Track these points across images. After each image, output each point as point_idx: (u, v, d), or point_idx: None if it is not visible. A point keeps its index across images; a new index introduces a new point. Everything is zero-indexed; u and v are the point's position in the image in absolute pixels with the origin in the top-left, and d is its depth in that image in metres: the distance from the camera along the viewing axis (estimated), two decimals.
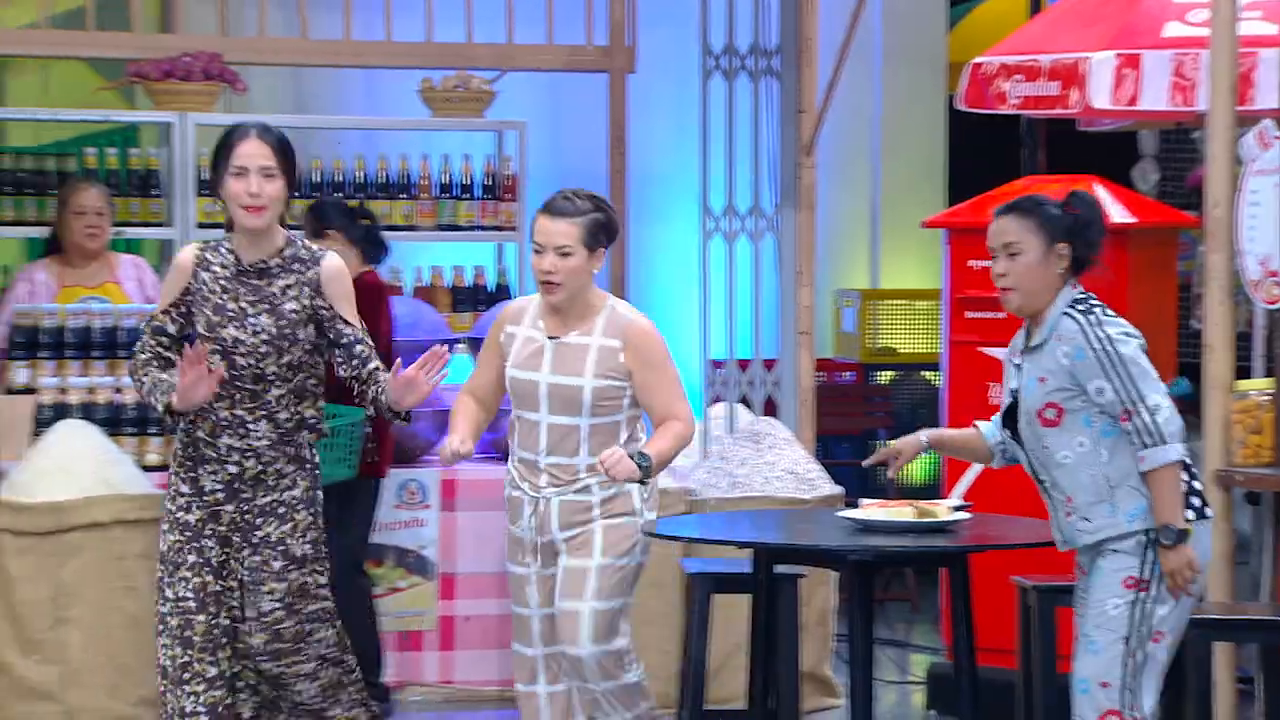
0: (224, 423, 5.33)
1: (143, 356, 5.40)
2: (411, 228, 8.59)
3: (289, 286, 5.35)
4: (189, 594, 5.36)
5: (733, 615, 6.67)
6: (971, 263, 7.25)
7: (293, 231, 5.63)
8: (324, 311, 5.36)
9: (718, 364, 8.15)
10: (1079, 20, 7.45)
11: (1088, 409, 4.86)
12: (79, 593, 6.87)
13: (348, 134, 9.26)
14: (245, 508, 5.39)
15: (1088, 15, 7.43)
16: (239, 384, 5.32)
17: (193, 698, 5.36)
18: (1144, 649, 4.85)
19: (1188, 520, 4.83)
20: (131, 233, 8.37)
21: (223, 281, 5.34)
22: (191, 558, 5.36)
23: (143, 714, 6.85)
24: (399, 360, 5.38)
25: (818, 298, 8.35)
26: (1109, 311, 4.94)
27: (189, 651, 5.35)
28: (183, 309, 5.40)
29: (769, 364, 8.10)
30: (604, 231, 5.48)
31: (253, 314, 5.32)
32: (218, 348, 5.29)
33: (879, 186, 10.51)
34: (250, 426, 5.33)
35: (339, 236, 7.41)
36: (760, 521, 6.39)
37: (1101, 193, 7.30)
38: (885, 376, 10.38)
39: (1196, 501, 4.90)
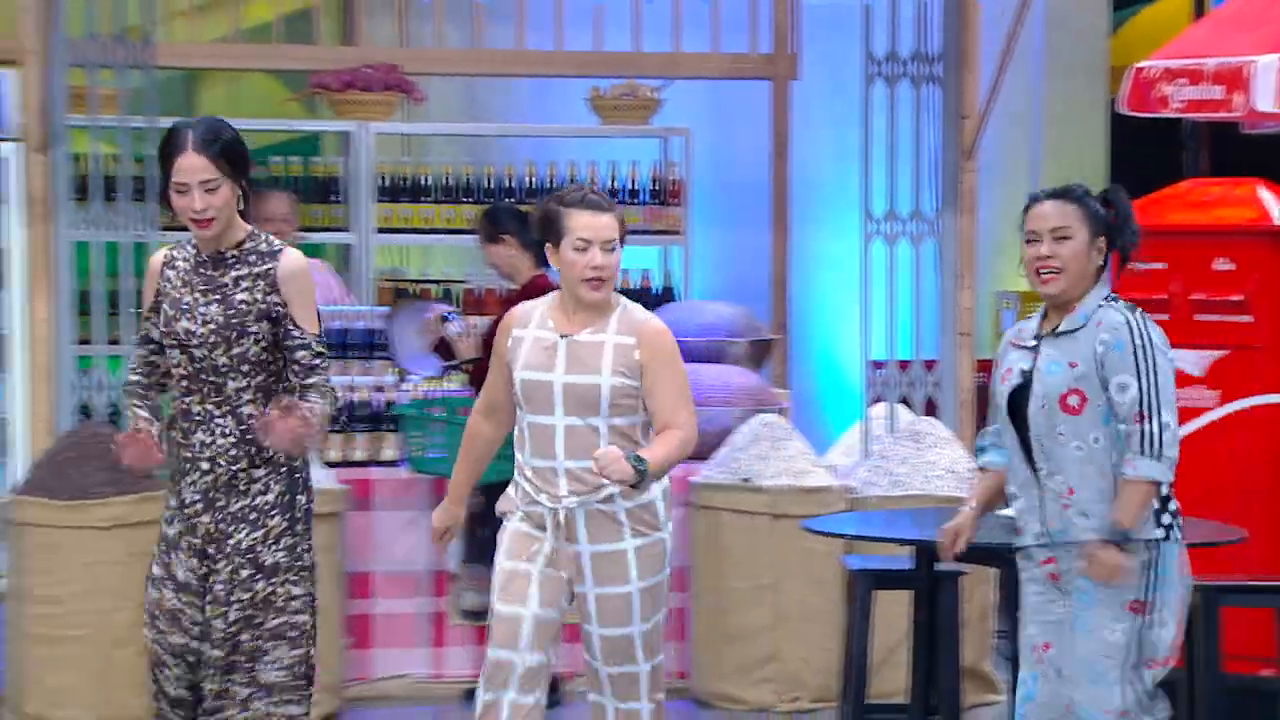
0: (197, 418, 4.97)
1: (132, 377, 5.11)
2: None
3: (242, 278, 4.94)
4: (146, 606, 5.06)
5: (894, 611, 6.49)
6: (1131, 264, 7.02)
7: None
8: (278, 309, 4.93)
9: (878, 365, 7.96)
10: (1244, 24, 7.18)
11: (1106, 406, 4.68)
12: None
13: (519, 140, 9.23)
14: (220, 517, 4.98)
15: (1253, 19, 7.16)
16: (203, 377, 4.95)
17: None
18: (1142, 677, 4.71)
19: (1158, 538, 4.67)
20: (314, 238, 8.39)
21: (183, 276, 4.99)
22: (156, 570, 5.04)
23: (323, 699, 6.82)
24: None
25: (978, 299, 8.14)
26: (1152, 319, 4.79)
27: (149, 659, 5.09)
28: (159, 313, 5.06)
29: (929, 365, 7.92)
30: (622, 229, 5.06)
31: (203, 304, 4.94)
32: (174, 343, 4.96)
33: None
34: (218, 422, 4.95)
35: (512, 240, 7.36)
36: (921, 519, 6.22)
37: (1265, 195, 7.04)
38: None
39: (1167, 520, 4.71)
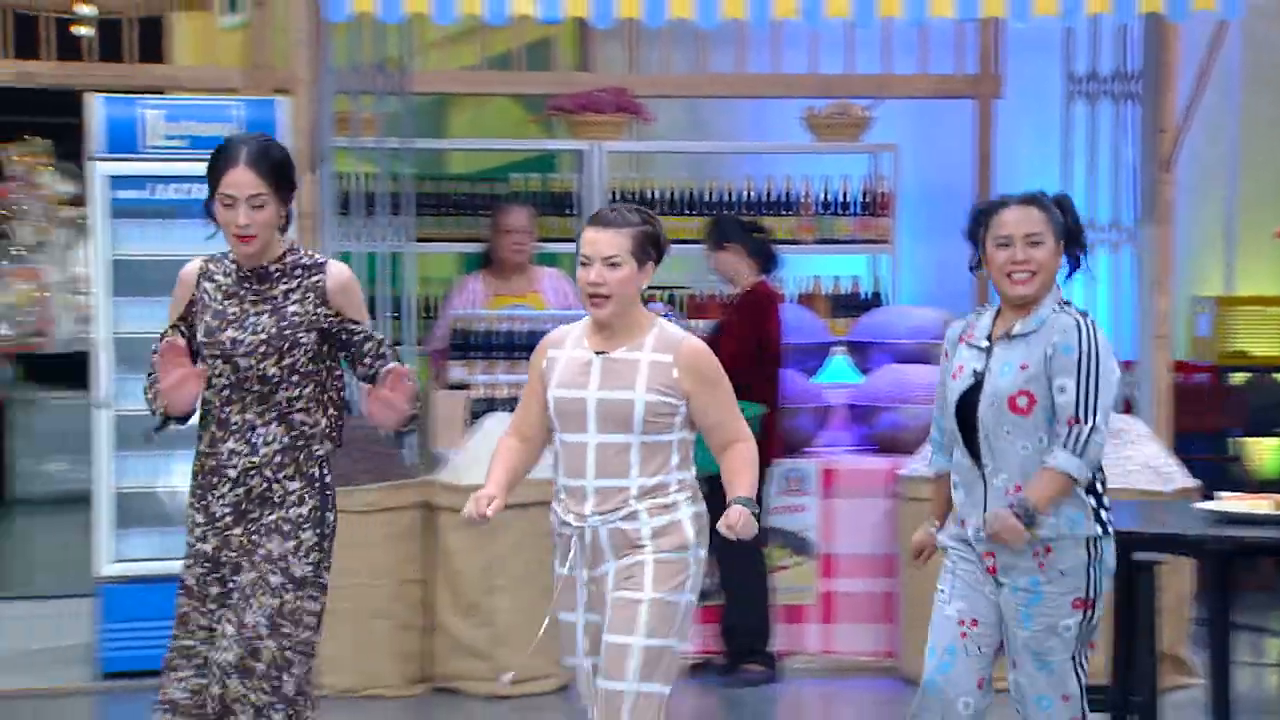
0: (234, 427, 4.65)
1: (148, 378, 4.74)
2: (794, 241, 8.54)
3: (291, 290, 4.67)
4: (228, 627, 4.64)
5: None
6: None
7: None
8: (330, 319, 4.67)
9: None
10: None
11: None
12: (507, 564, 7.00)
13: (738, 157, 9.27)
14: (252, 528, 4.66)
15: None
16: (246, 386, 4.64)
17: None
18: (1085, 656, 4.65)
19: (1097, 534, 4.60)
20: (551, 248, 8.51)
21: (225, 288, 4.69)
22: (214, 589, 4.68)
23: (560, 671, 6.97)
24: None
25: (1174, 304, 8.02)
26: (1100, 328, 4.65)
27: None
28: (189, 321, 4.74)
29: (1127, 365, 7.81)
30: (653, 245, 4.59)
31: (254, 314, 4.65)
32: (217, 353, 4.63)
33: (1235, 199, 10.02)
34: (259, 431, 4.63)
35: (737, 249, 7.43)
36: (1119, 511, 6.14)
37: None
38: (1238, 378, 9.93)
39: (1105, 516, 4.64)
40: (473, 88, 9.58)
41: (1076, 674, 4.62)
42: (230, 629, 4.58)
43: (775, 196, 8.69)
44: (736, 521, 4.38)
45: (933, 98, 9.15)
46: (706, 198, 8.69)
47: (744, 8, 7.00)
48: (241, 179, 4.56)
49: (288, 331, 4.62)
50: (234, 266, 4.71)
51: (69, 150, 9.83)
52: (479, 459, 7.02)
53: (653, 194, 8.72)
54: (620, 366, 4.50)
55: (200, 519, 4.68)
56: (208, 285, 4.71)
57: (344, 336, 4.68)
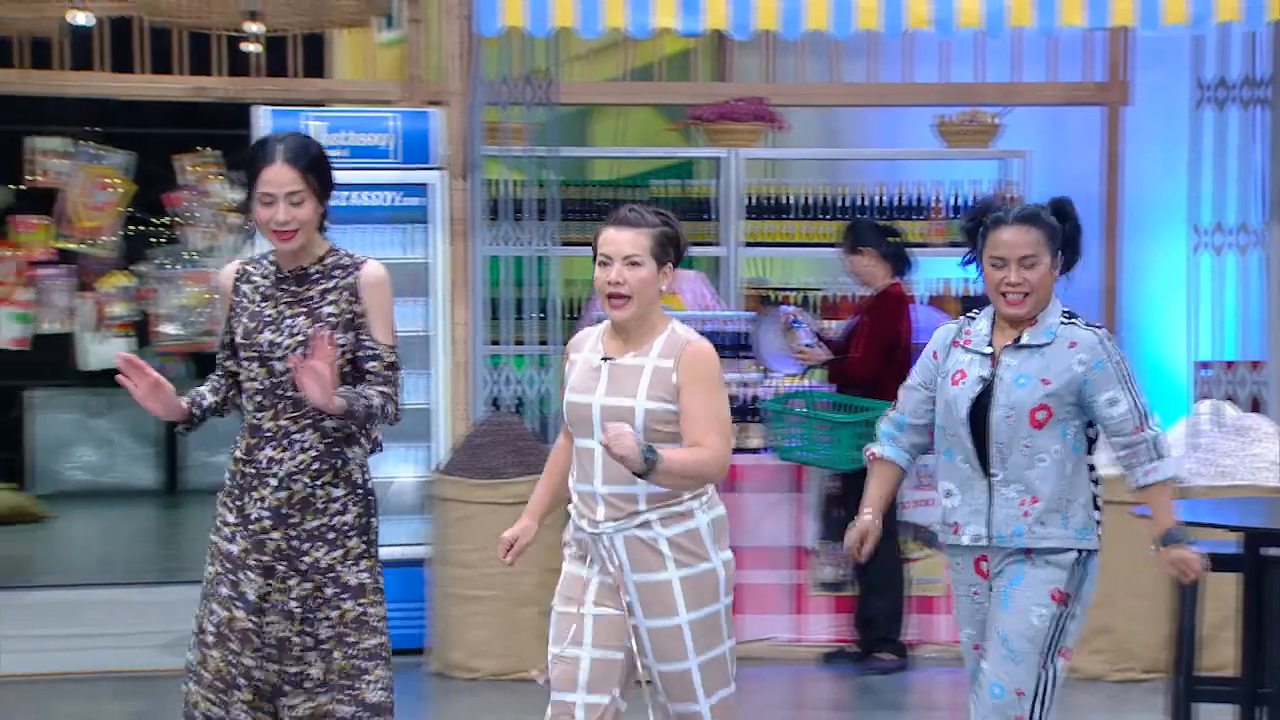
0: (268, 434, 4.40)
1: (206, 384, 4.54)
2: (925, 245, 8.48)
3: (327, 291, 4.43)
4: (210, 628, 4.44)
5: (1221, 591, 6.30)
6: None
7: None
8: (359, 319, 4.42)
9: (1204, 365, 7.74)
10: None
11: (1068, 420, 4.38)
12: None
13: (871, 163, 9.22)
14: (292, 534, 4.40)
15: None
16: (281, 392, 4.38)
17: None
18: (1054, 663, 4.37)
19: (1094, 549, 4.42)
20: (689, 251, 8.49)
21: (262, 290, 4.46)
22: (224, 590, 4.42)
23: None
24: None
25: None
26: None
27: (198, 688, 4.46)
28: (229, 328, 4.53)
29: (1255, 365, 7.66)
30: (673, 246, 4.35)
31: (290, 316, 4.42)
32: (253, 355, 4.41)
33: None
34: (294, 438, 4.39)
35: (871, 252, 7.41)
36: (1247, 508, 6.04)
37: None
38: None
39: (1100, 531, 4.45)
40: (616, 98, 9.63)
41: (1039, 675, 4.35)
42: (308, 642, 4.40)
43: (907, 201, 8.65)
44: (617, 433, 4.04)
45: (1062, 105, 9.04)
46: (840, 203, 8.66)
47: (878, 19, 6.97)
48: (279, 175, 4.35)
49: (325, 331, 4.36)
50: (273, 268, 4.49)
51: (237, 160, 10.02)
52: None
53: (787, 199, 8.71)
54: (624, 373, 4.25)
55: (232, 519, 4.44)
56: (245, 287, 4.49)
57: (358, 342, 4.41)
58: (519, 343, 7.88)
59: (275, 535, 4.40)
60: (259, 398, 4.41)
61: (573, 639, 4.30)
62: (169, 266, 9.76)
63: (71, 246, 9.37)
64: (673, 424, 4.24)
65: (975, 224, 4.50)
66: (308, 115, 7.59)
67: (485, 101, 7.59)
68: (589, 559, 4.32)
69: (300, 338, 4.37)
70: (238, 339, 4.45)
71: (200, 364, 10.09)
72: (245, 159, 4.45)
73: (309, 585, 4.40)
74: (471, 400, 7.70)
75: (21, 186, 10.50)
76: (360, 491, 4.47)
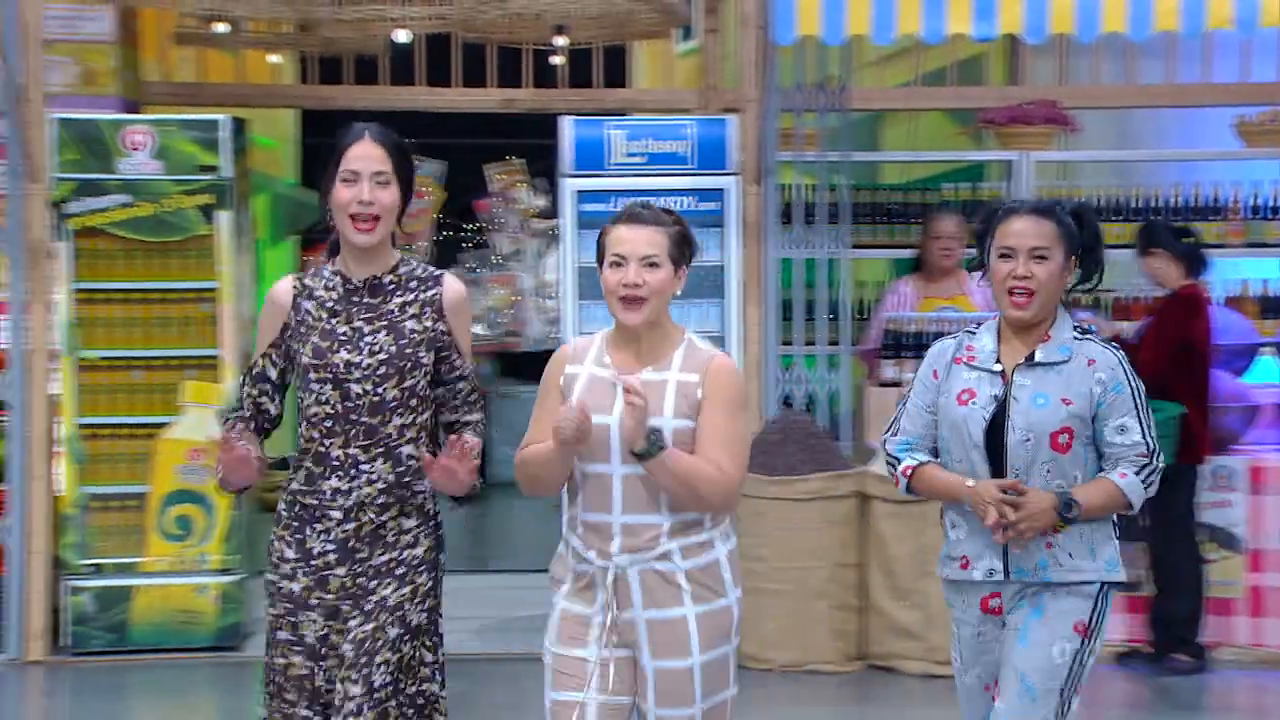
0: (335, 463, 3.92)
1: (234, 415, 4.04)
2: (1222, 245, 8.25)
3: (408, 304, 3.96)
4: (274, 678, 3.99)
5: None
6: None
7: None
8: (444, 337, 3.96)
9: None
10: None
11: (1090, 444, 3.98)
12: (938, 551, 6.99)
13: (1165, 165, 9.01)
14: (359, 570, 3.93)
15: None
16: (354, 417, 3.90)
17: None
18: (1072, 702, 3.97)
19: (1118, 580, 4.01)
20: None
21: (330, 305, 3.97)
22: (282, 634, 3.97)
23: None
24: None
25: None
26: None
27: None
28: (283, 349, 4.01)
29: None
30: (688, 246, 3.95)
31: (369, 333, 3.94)
32: (327, 377, 3.91)
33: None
34: (363, 468, 3.91)
35: (1165, 253, 7.28)
36: None
37: None
38: None
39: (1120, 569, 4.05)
40: (907, 103, 9.62)
41: (1057, 713, 3.96)
42: (357, 691, 3.87)
43: (1203, 202, 8.42)
44: (639, 392, 3.70)
45: None
46: (1133, 204, 8.48)
47: (1176, 19, 6.85)
48: (366, 151, 3.92)
49: (409, 350, 3.93)
50: (339, 279, 4.00)
51: (541, 168, 10.33)
52: None
53: (1079, 201, 8.53)
54: (647, 390, 3.81)
55: (292, 554, 3.96)
56: (307, 305, 3.99)
57: (443, 365, 3.98)
58: (810, 343, 7.95)
59: (339, 571, 3.93)
60: (328, 423, 3.92)
61: (576, 684, 3.87)
62: (477, 270, 10.12)
63: None
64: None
65: (986, 224, 4.09)
66: (609, 124, 7.78)
67: (779, 108, 7.67)
68: (592, 594, 3.88)
69: (383, 356, 3.92)
70: (306, 360, 3.94)
71: (503, 363, 10.43)
72: (329, 146, 3.99)
73: (370, 626, 3.90)
74: (764, 399, 7.77)
75: None
76: (432, 523, 4.02)
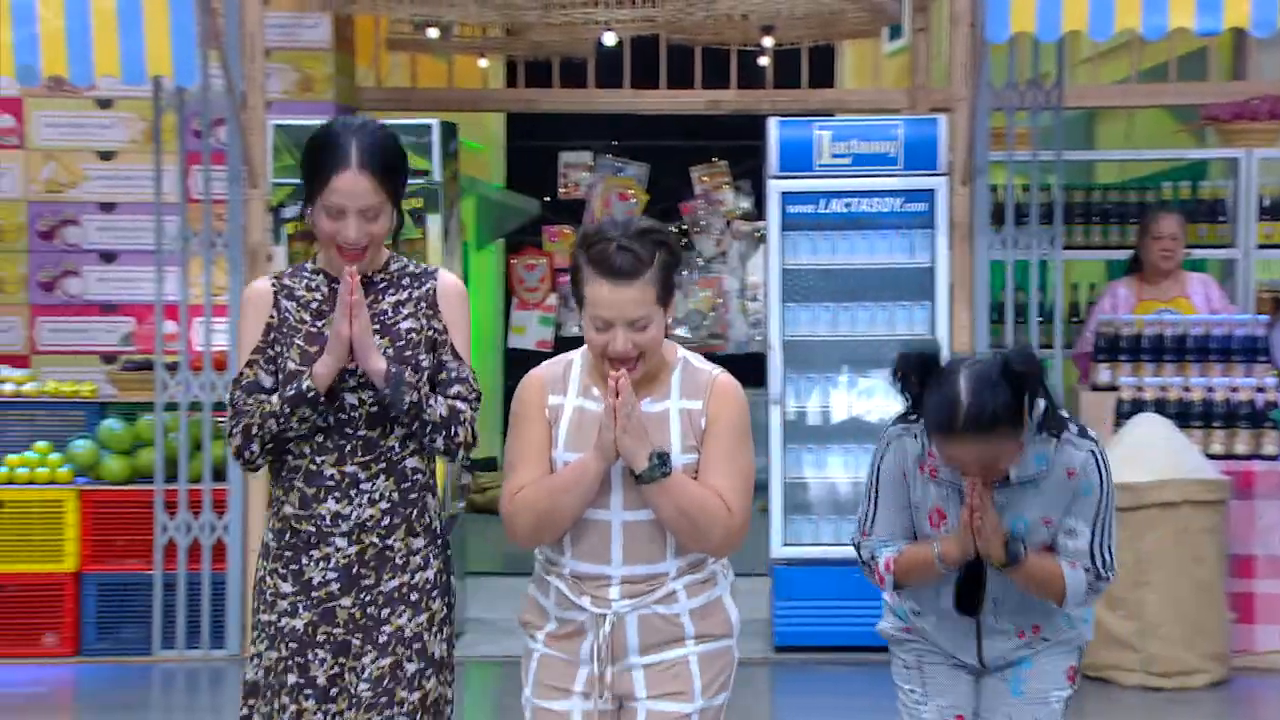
0: (330, 482, 3.48)
1: (239, 426, 3.51)
2: None
3: (401, 303, 3.55)
4: None
5: None
6: None
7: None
8: (439, 336, 3.56)
9: None
10: None
11: None
12: (1155, 561, 6.83)
13: None
14: (367, 598, 3.48)
15: None
16: (349, 430, 3.47)
17: None
18: None
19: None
20: (1199, 254, 8.24)
21: (314, 306, 3.54)
22: (291, 678, 3.48)
23: (1211, 667, 6.77)
24: None
25: None
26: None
27: None
28: (270, 353, 3.55)
29: None
30: (675, 272, 3.46)
31: None
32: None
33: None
34: (364, 487, 3.48)
35: None
36: None
37: None
38: None
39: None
40: (1124, 101, 9.41)
41: None
42: None
43: None
44: (629, 402, 3.31)
45: None
46: None
47: None
48: (354, 186, 3.45)
49: (407, 353, 3.52)
50: (321, 278, 3.58)
51: (745, 170, 10.33)
52: (1124, 458, 6.90)
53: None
54: (646, 423, 3.39)
55: (289, 587, 3.51)
56: (288, 304, 3.56)
57: (436, 365, 3.56)
58: None
59: (346, 602, 3.49)
60: (319, 438, 3.48)
61: None
62: (682, 273, 10.17)
63: None
64: None
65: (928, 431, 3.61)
66: (816, 124, 7.74)
67: (990, 107, 7.55)
68: (578, 641, 3.46)
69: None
70: (293, 366, 3.49)
71: None
72: (308, 153, 3.51)
73: (386, 661, 3.49)
74: None
75: (549, 199, 11.16)
76: (440, 543, 3.60)
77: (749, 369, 7.96)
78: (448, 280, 3.61)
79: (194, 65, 6.83)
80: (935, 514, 3.63)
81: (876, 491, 3.69)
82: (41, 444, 7.55)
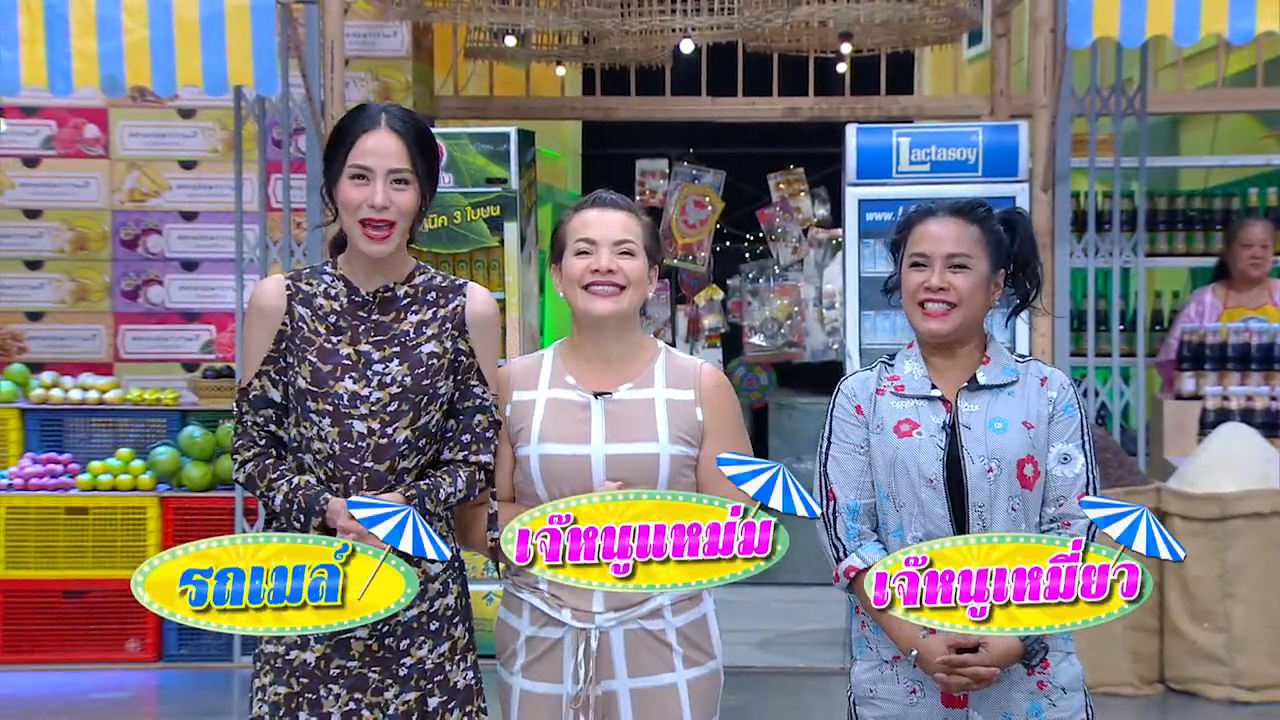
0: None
1: (246, 452, 3.29)
2: None
3: (425, 323, 3.29)
4: None
5: None
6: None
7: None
8: (465, 359, 3.32)
9: None
10: None
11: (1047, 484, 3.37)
12: (1242, 572, 6.75)
13: None
14: (384, 628, 3.26)
15: None
16: (354, 461, 3.23)
17: None
18: None
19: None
20: None
21: (332, 318, 3.28)
22: (303, 715, 3.26)
23: None
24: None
25: None
26: None
27: None
28: (281, 364, 3.29)
29: None
30: (657, 243, 3.41)
31: (379, 359, 3.25)
32: (326, 409, 3.23)
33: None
34: None
35: None
36: None
37: None
38: None
39: None
40: (1208, 106, 9.31)
41: None
42: None
43: None
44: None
45: None
46: None
47: None
48: (382, 145, 3.24)
49: (425, 382, 3.28)
50: (342, 286, 3.32)
51: (822, 177, 10.32)
52: (1210, 468, 6.84)
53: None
54: (630, 410, 3.28)
55: None
56: (303, 311, 3.30)
57: (459, 392, 3.32)
58: (1103, 354, 7.74)
59: (361, 633, 3.26)
60: (329, 464, 3.25)
61: None
62: (758, 280, 10.16)
63: (670, 262, 9.90)
64: (691, 473, 3.32)
65: (900, 232, 3.46)
66: (895, 131, 7.73)
67: (1073, 113, 7.51)
68: (557, 665, 3.29)
69: (395, 389, 3.25)
70: (304, 384, 3.25)
71: (780, 373, 10.42)
72: (335, 130, 3.31)
73: (410, 697, 3.29)
74: None
75: None
76: (458, 565, 3.40)
77: (825, 377, 7.96)
78: (478, 296, 3.36)
79: (274, 75, 6.90)
80: (904, 423, 3.37)
81: (829, 441, 3.43)
82: (124, 451, 7.67)
